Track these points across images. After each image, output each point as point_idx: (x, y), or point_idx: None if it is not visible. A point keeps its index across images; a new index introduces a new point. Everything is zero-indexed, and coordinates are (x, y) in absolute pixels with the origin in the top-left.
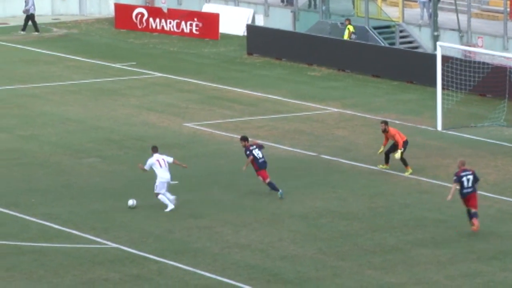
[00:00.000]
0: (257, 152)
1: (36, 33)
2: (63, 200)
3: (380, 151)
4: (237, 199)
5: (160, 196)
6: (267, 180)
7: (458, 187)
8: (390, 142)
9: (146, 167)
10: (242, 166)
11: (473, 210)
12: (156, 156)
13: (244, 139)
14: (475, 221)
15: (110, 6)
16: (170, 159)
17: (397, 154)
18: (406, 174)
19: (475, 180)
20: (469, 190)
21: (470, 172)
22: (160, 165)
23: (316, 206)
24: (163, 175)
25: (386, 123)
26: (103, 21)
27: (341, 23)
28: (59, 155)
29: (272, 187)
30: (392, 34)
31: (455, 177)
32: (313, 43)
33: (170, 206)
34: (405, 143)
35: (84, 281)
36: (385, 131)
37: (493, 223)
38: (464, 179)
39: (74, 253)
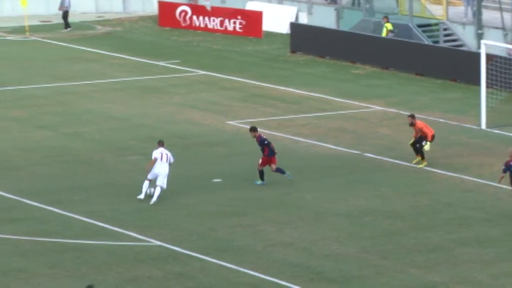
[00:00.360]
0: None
1: (69, 28)
2: (106, 197)
3: (411, 142)
4: (280, 197)
5: (145, 182)
6: (261, 168)
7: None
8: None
9: (153, 157)
10: (282, 163)
11: None
12: (161, 149)
13: (255, 129)
14: None
15: (153, 4)
16: (172, 159)
17: (427, 146)
18: (421, 166)
19: None
20: None
21: None
22: (161, 158)
23: (360, 205)
24: (159, 168)
25: (413, 116)
26: (146, 18)
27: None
28: (102, 152)
29: (261, 174)
30: (436, 32)
31: (503, 167)
32: (357, 41)
33: (140, 196)
34: (433, 137)
35: (127, 278)
36: (412, 124)
37: None
38: None
39: (117, 251)
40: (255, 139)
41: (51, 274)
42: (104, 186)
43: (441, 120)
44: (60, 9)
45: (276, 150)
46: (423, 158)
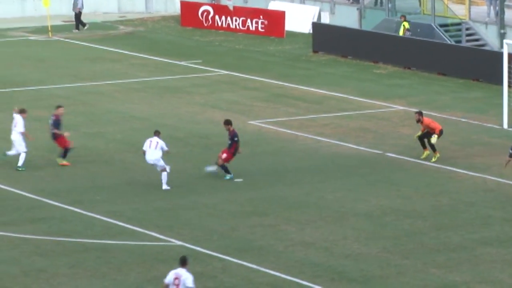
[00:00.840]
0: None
1: (77, 30)
2: (127, 197)
3: (417, 134)
4: (301, 196)
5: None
6: (223, 163)
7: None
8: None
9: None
10: (303, 163)
11: None
12: (153, 138)
13: (230, 123)
14: None
15: (176, 4)
16: (165, 148)
17: (433, 139)
18: (434, 159)
19: None
20: None
21: None
22: (150, 145)
23: (381, 204)
24: (148, 155)
25: (420, 113)
26: (169, 18)
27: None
28: (123, 152)
29: (225, 169)
30: (454, 32)
31: (510, 151)
32: (379, 41)
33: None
34: (441, 132)
35: (148, 278)
36: (419, 121)
37: None
38: None
39: (138, 251)
40: (228, 132)
41: (72, 274)
42: (125, 186)
43: (462, 119)
44: (74, 10)
45: (240, 150)
46: (435, 150)
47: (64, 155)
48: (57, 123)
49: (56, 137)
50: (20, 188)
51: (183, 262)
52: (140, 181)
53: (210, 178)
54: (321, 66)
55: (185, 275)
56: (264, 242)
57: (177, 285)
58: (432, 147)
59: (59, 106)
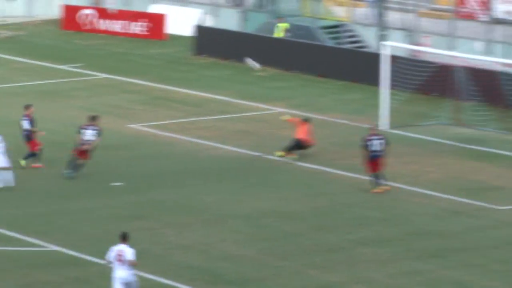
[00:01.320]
0: None
1: None
2: (4, 203)
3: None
4: (180, 200)
5: None
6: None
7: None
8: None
9: None
10: (183, 166)
11: (378, 173)
12: None
13: (96, 118)
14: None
15: (57, 8)
16: None
17: (285, 117)
18: (277, 154)
19: (387, 144)
20: (377, 153)
21: (379, 137)
22: None
23: (260, 207)
24: None
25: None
26: (49, 22)
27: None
28: None
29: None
30: (339, 34)
31: (361, 142)
32: (260, 43)
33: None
34: (296, 142)
35: (23, 284)
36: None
37: (433, 221)
38: (369, 143)
39: (14, 256)
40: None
41: None
42: (3, 192)
43: (342, 121)
44: None
45: (82, 148)
46: (288, 151)
47: (27, 156)
48: (32, 123)
49: (30, 138)
50: None
51: (124, 238)
52: (18, 186)
53: (87, 183)
54: (202, 69)
55: (127, 250)
56: (142, 246)
57: (121, 260)
58: (290, 150)
59: (29, 105)
